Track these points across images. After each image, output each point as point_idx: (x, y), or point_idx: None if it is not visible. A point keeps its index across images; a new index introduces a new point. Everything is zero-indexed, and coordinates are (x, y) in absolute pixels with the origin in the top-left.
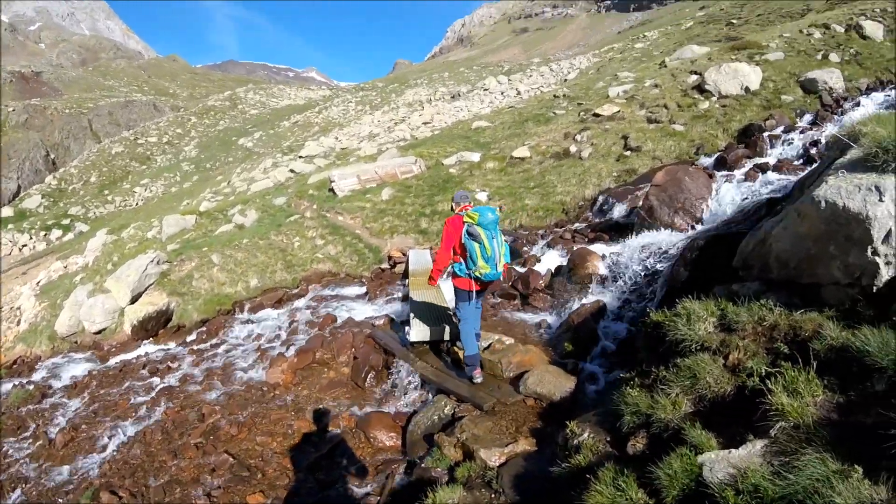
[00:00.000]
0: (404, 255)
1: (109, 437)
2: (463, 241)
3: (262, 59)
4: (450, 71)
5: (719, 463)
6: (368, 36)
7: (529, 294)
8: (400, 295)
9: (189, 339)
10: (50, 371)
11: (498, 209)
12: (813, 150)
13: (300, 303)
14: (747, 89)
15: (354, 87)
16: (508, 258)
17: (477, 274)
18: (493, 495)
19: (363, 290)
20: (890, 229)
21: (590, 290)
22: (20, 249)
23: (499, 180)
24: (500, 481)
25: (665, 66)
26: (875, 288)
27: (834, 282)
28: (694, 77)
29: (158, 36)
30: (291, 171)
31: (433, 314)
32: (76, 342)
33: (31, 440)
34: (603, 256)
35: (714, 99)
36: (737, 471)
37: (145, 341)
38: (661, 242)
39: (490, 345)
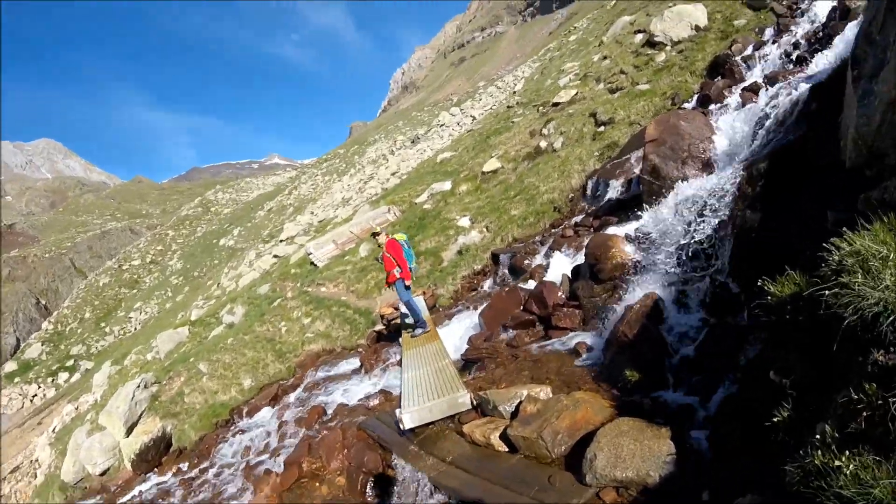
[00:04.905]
0: (397, 309)
1: None
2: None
3: (223, 160)
4: (403, 119)
5: None
6: (318, 109)
7: (550, 314)
8: (397, 358)
9: (183, 466)
10: None
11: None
12: (796, 53)
13: (292, 396)
14: (697, 28)
15: (318, 161)
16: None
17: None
18: None
19: (358, 362)
20: None
21: (628, 285)
22: (31, 401)
23: (477, 200)
24: None
25: (604, 45)
26: None
27: None
28: (640, 36)
29: (118, 163)
30: (275, 256)
31: (433, 381)
32: (85, 488)
33: None
34: (628, 237)
35: (668, 48)
36: None
37: (149, 474)
38: (696, 194)
39: (517, 407)
